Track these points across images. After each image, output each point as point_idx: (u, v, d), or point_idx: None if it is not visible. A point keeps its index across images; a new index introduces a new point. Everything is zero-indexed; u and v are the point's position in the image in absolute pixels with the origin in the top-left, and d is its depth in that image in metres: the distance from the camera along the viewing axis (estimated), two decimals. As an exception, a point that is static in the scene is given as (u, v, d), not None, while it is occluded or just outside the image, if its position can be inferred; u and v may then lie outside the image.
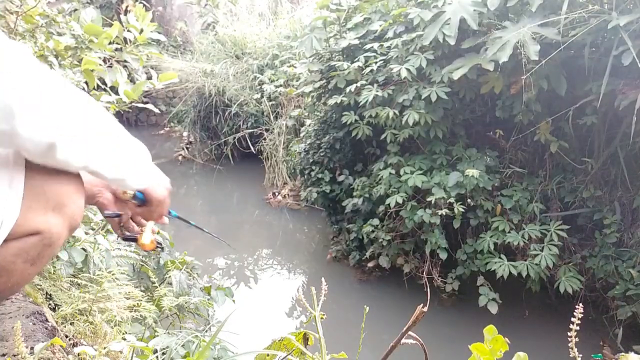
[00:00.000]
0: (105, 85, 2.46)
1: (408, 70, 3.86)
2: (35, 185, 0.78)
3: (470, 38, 3.70)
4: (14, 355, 1.15)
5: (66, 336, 1.64)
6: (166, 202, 1.04)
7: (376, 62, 4.17)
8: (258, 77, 7.82)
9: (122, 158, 0.88)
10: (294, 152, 5.93)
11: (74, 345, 1.60)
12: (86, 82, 2.40)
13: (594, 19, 3.18)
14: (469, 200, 3.91)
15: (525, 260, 3.76)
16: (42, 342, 1.35)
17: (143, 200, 1.01)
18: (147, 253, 2.61)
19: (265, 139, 7.62)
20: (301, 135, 5.97)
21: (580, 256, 3.91)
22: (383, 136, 4.24)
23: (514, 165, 4.17)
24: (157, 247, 1.10)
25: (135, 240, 1.09)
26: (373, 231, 4.33)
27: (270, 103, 7.59)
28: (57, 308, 1.84)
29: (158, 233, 1.13)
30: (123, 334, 1.80)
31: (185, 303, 2.53)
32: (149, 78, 2.38)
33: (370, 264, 4.73)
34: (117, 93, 2.35)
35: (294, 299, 4.64)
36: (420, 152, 4.26)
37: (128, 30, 2.35)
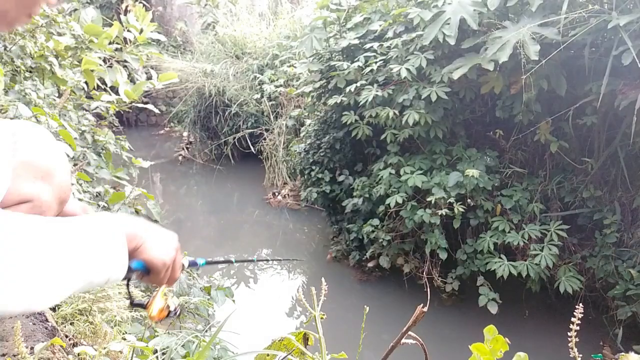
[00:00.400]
0: (105, 85, 2.46)
1: (408, 70, 3.86)
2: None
3: (470, 38, 3.70)
4: (14, 355, 1.15)
5: (66, 336, 1.64)
6: (177, 264, 0.87)
7: (376, 62, 4.17)
8: (258, 77, 7.82)
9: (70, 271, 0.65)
10: (294, 152, 5.92)
11: (74, 345, 1.60)
12: (86, 82, 2.40)
13: (594, 19, 3.18)
14: (469, 200, 3.91)
15: (525, 260, 3.76)
16: (42, 342, 1.35)
17: (146, 270, 0.82)
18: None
19: (265, 139, 7.61)
20: (301, 135, 5.97)
21: (580, 256, 3.91)
22: (383, 136, 4.24)
23: (514, 165, 4.17)
24: (169, 314, 0.94)
25: (144, 307, 0.93)
26: (373, 231, 4.33)
27: (270, 103, 7.59)
28: (57, 308, 1.84)
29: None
30: (123, 334, 1.80)
31: (185, 303, 2.53)
32: (149, 78, 2.39)
33: (370, 264, 4.73)
34: (117, 93, 2.35)
35: (294, 299, 4.64)
36: (420, 152, 4.26)
37: (128, 30, 2.35)
